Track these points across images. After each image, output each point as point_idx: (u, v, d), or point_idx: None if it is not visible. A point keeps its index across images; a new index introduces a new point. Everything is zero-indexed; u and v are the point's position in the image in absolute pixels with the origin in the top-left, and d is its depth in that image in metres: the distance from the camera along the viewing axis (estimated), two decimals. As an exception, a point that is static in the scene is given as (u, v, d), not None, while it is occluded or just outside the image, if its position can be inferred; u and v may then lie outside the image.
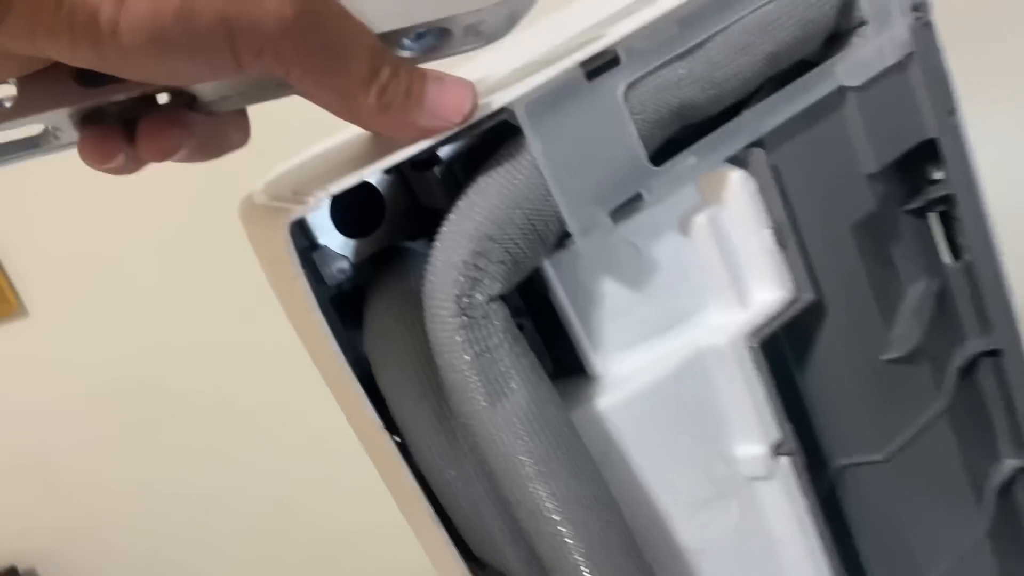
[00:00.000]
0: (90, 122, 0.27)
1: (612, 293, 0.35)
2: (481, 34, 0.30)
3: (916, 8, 0.37)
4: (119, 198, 0.88)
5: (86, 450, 1.06)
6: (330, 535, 1.08)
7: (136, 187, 0.28)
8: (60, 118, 0.27)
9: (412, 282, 0.34)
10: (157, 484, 1.07)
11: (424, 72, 0.29)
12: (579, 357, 0.36)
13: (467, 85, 0.29)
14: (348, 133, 0.39)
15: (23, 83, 0.26)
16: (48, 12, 0.22)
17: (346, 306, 0.36)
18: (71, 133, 0.27)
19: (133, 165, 0.28)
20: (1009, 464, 0.46)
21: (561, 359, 0.37)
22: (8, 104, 0.26)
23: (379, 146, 0.32)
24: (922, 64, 0.38)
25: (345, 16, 0.26)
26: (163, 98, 0.28)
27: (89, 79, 0.26)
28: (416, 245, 0.37)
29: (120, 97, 0.27)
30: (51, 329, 1.01)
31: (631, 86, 0.31)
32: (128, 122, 0.28)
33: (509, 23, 0.30)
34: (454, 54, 0.31)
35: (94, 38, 0.22)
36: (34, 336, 1.01)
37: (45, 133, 0.28)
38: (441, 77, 0.29)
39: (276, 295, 0.35)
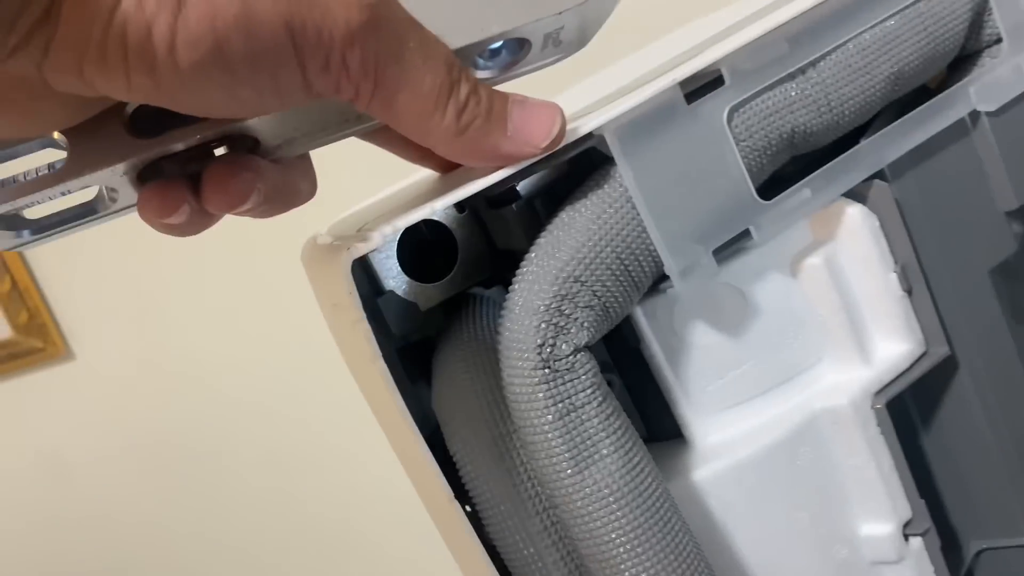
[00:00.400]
0: (148, 180, 0.25)
1: (713, 345, 0.31)
2: (560, 44, 0.27)
3: (1058, 24, 0.33)
4: (166, 241, 0.88)
5: (130, 494, 1.05)
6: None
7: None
8: (115, 177, 0.24)
9: (487, 332, 0.30)
10: (200, 529, 1.06)
11: (505, 93, 0.26)
12: (674, 419, 0.32)
13: (553, 107, 0.26)
14: (418, 175, 0.36)
15: (72, 139, 0.23)
16: (98, 31, 0.19)
17: (412, 358, 0.32)
18: (128, 194, 0.25)
19: (199, 220, 0.26)
20: None
21: (652, 421, 0.33)
22: (59, 165, 0.23)
23: (451, 183, 0.30)
24: (1066, 87, 0.33)
25: (416, 25, 0.23)
26: (222, 151, 0.26)
27: (143, 129, 0.24)
28: (491, 292, 0.34)
29: (179, 146, 0.24)
30: (97, 372, 1.01)
31: (736, 109, 0.28)
32: (190, 177, 0.25)
33: (589, 30, 0.27)
34: (531, 70, 0.28)
35: (149, 60, 0.20)
36: (80, 379, 1.01)
37: (100, 196, 0.25)
38: (524, 99, 0.26)
39: (337, 343, 0.31)
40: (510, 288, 0.27)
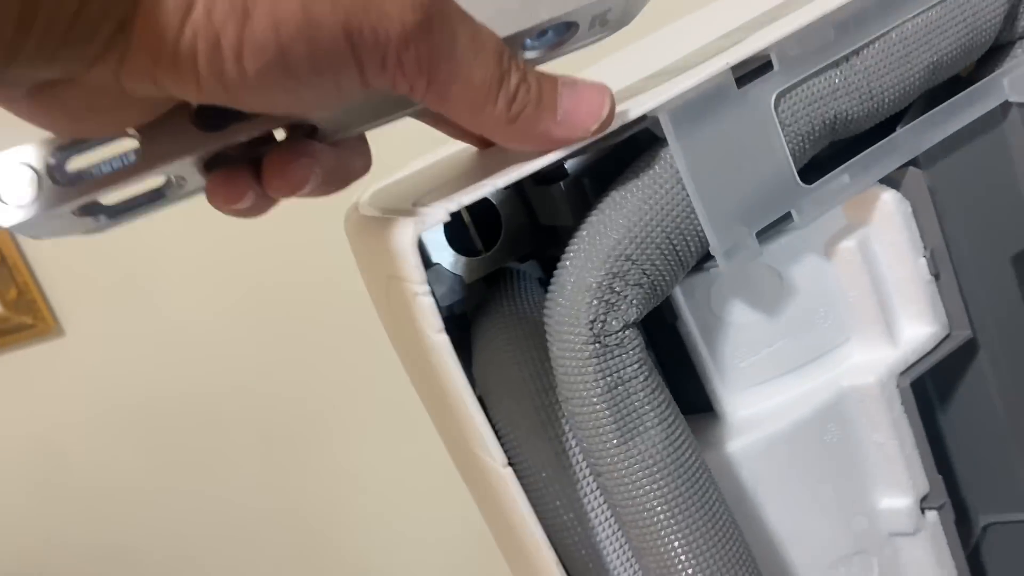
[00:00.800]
0: (214, 166, 0.26)
1: (748, 324, 0.32)
2: (608, 23, 0.27)
3: (1089, 18, 0.33)
4: (155, 217, 0.87)
5: (121, 470, 1.05)
6: (367, 567, 1.05)
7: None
8: (184, 166, 0.25)
9: (527, 306, 0.31)
10: (192, 506, 1.06)
11: (554, 77, 0.26)
12: (702, 393, 0.33)
13: (602, 89, 0.26)
14: (452, 147, 0.37)
15: (144, 134, 0.24)
16: (170, 41, 0.20)
17: (452, 331, 0.33)
18: (196, 179, 0.26)
19: (262, 204, 0.27)
20: None
21: (683, 394, 0.34)
22: (132, 159, 0.24)
23: (495, 158, 0.30)
24: (1093, 80, 0.34)
25: (467, 19, 0.24)
26: (281, 134, 0.27)
27: (209, 123, 0.25)
28: (525, 267, 0.34)
29: (243, 138, 0.25)
30: (86, 349, 0.99)
31: (783, 94, 0.28)
32: (253, 161, 0.26)
33: (634, 9, 0.28)
34: (578, 48, 0.28)
35: (219, 67, 0.21)
36: (69, 356, 1.00)
37: (169, 182, 0.26)
38: (573, 82, 0.26)
39: (383, 315, 0.32)
40: (559, 264, 0.28)
